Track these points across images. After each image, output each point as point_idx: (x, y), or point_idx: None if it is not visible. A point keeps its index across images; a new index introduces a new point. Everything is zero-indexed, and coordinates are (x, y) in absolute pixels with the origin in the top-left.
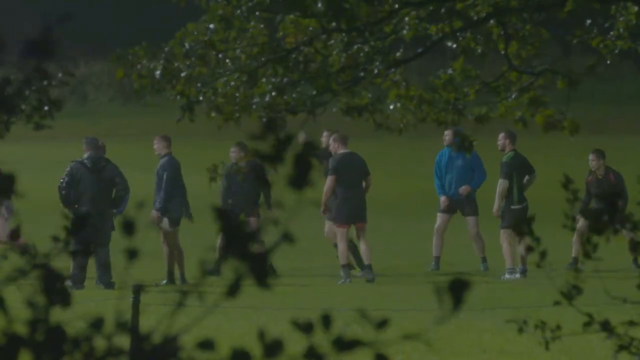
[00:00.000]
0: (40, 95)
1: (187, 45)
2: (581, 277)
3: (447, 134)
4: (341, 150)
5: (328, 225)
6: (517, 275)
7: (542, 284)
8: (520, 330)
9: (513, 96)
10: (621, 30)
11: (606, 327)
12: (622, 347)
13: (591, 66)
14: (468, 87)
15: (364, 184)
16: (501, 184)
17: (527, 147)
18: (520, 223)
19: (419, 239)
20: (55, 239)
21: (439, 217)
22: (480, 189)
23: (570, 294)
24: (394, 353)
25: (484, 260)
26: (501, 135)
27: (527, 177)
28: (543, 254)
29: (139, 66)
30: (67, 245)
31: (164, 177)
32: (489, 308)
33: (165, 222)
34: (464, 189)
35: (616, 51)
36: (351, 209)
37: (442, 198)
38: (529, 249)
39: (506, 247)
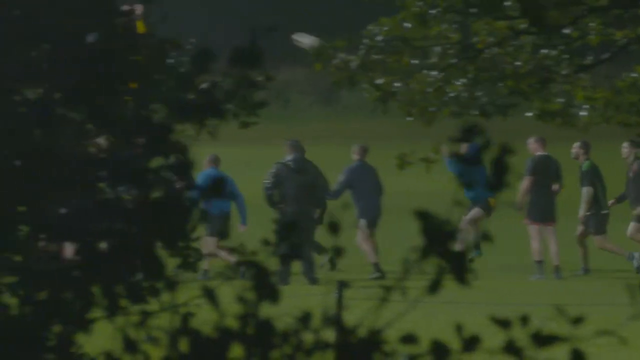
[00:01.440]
0: (246, 97)
1: (380, 38)
2: None
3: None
4: (539, 152)
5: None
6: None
7: None
8: None
9: None
10: None
11: None
12: None
13: None
14: None
15: (557, 186)
16: (587, 191)
17: None
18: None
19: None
20: (266, 242)
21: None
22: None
23: None
24: (586, 347)
25: None
26: (576, 145)
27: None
28: None
29: (336, 60)
30: (276, 248)
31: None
32: None
33: (362, 222)
34: None
35: None
36: (544, 208)
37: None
38: None
39: (612, 247)
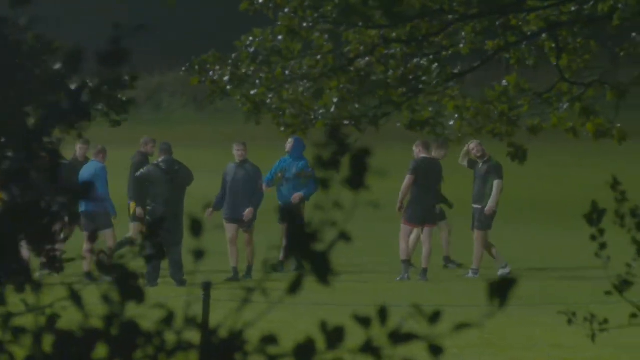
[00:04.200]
0: (114, 97)
1: (252, 49)
2: (632, 272)
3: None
4: (422, 155)
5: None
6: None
7: (593, 282)
8: (570, 322)
9: (565, 107)
10: None
11: None
12: None
13: (638, 77)
14: (521, 99)
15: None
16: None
17: (578, 153)
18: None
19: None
20: (131, 242)
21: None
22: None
23: (621, 286)
24: (448, 347)
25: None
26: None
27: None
28: (603, 245)
29: (211, 73)
30: (142, 249)
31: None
32: (541, 304)
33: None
34: None
35: None
36: (423, 210)
37: None
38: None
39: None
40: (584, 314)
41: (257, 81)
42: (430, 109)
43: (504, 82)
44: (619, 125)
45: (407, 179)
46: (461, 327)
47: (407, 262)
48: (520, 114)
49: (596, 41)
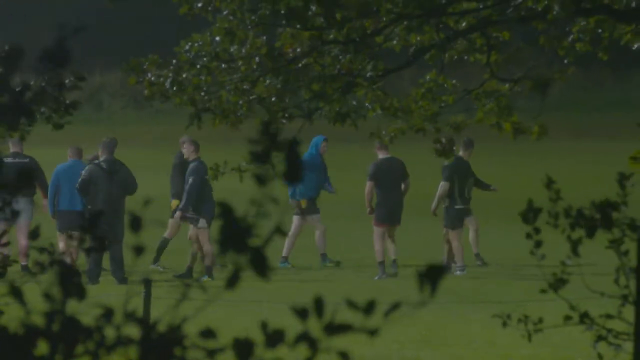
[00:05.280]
0: (57, 98)
1: (191, 54)
2: (566, 270)
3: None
4: (381, 156)
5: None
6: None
7: (528, 280)
8: (505, 324)
9: (490, 102)
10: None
11: (585, 319)
12: (600, 338)
13: (559, 72)
14: (446, 95)
15: (402, 186)
16: (442, 186)
17: (520, 151)
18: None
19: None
20: (71, 236)
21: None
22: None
23: (556, 284)
24: (389, 343)
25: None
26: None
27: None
28: (538, 243)
29: (149, 74)
30: (82, 242)
31: (190, 180)
32: (479, 301)
33: (203, 222)
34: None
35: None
36: (390, 210)
37: None
38: (529, 237)
39: (457, 245)
40: (519, 315)
41: (203, 87)
42: (354, 102)
43: (428, 78)
44: (539, 121)
45: (368, 185)
46: (391, 312)
47: (383, 264)
48: (444, 110)
49: (525, 38)
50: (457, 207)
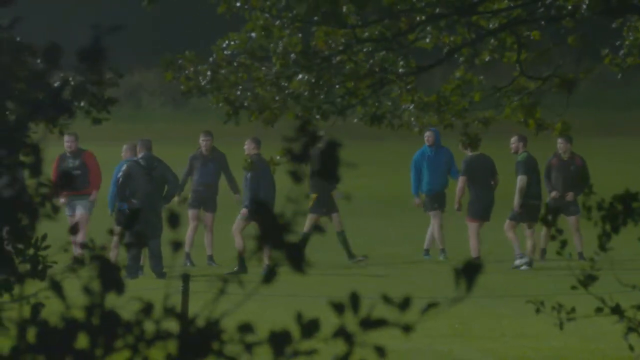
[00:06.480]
0: (96, 93)
1: (228, 52)
2: (596, 266)
3: (428, 135)
4: (471, 153)
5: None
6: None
7: (556, 275)
8: (538, 311)
9: (517, 99)
10: (630, 47)
11: (617, 311)
12: (631, 330)
13: (585, 70)
14: (474, 92)
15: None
16: (521, 180)
17: (548, 148)
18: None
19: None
20: (110, 232)
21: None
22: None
23: (586, 281)
24: (419, 337)
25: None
26: (514, 139)
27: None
28: (564, 243)
29: (186, 71)
30: (122, 238)
31: (248, 176)
32: (508, 295)
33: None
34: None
35: (625, 67)
36: (485, 206)
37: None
38: (552, 238)
39: (512, 236)
40: (552, 304)
41: (239, 85)
42: (389, 103)
43: (458, 75)
44: (564, 118)
45: (460, 180)
46: (428, 310)
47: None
48: (473, 107)
49: (554, 38)
50: (533, 202)
